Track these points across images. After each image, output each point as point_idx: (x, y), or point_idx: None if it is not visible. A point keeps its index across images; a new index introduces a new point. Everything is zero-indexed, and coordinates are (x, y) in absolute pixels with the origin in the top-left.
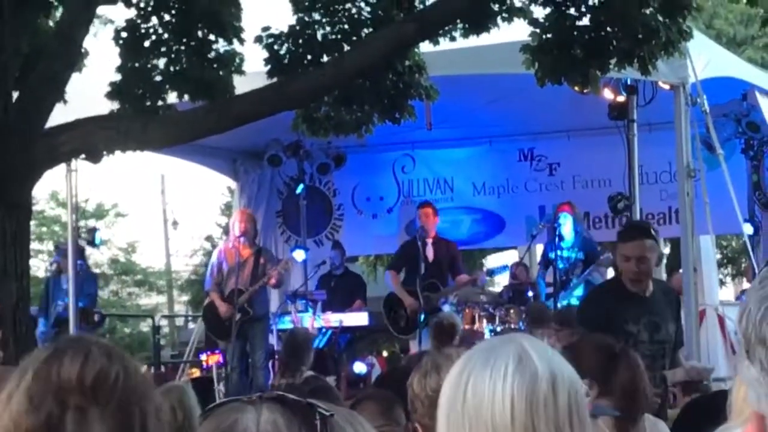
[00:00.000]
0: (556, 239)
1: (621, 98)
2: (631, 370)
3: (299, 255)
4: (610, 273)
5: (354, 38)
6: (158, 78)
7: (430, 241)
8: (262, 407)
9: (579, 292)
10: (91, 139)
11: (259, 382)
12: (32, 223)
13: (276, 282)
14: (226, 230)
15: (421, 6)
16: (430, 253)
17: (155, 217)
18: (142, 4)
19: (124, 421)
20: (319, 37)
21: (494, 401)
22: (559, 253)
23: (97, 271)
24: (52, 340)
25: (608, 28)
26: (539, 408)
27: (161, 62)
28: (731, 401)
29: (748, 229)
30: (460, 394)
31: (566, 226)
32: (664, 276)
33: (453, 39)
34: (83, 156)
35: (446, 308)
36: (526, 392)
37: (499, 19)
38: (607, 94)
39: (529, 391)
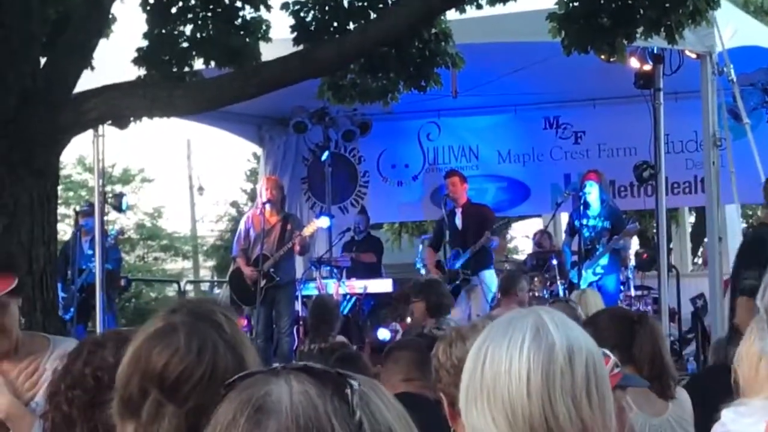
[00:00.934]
0: (582, 207)
1: (647, 67)
2: (651, 337)
3: (324, 221)
4: (634, 241)
5: (380, 6)
6: (185, 44)
7: (459, 210)
8: (290, 378)
9: (604, 261)
10: (117, 105)
11: (284, 349)
12: (59, 187)
13: (300, 248)
14: (252, 196)
15: None
16: (459, 221)
17: (181, 182)
18: None
19: (196, 424)
20: (345, 4)
21: (510, 373)
22: (584, 221)
23: (122, 237)
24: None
25: None
26: (555, 380)
27: (188, 29)
28: (739, 376)
29: None
30: (479, 367)
31: (592, 194)
32: (689, 245)
33: (479, 7)
34: (110, 122)
35: (486, 274)
36: (542, 364)
37: None
38: (634, 62)
39: (545, 363)
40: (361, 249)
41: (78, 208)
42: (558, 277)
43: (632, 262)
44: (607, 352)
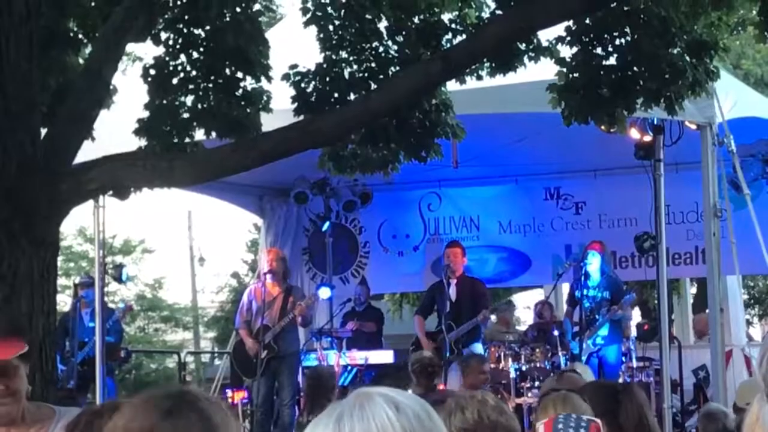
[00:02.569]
0: (582, 278)
1: (647, 138)
2: (635, 404)
3: (325, 292)
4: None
5: (381, 77)
6: (186, 115)
7: (454, 281)
8: None
9: (604, 332)
10: (118, 175)
11: (285, 421)
12: (59, 258)
13: (302, 319)
14: (252, 267)
15: (448, 45)
16: (453, 293)
17: (182, 253)
18: (170, 42)
19: None
20: (346, 75)
21: None
22: (585, 292)
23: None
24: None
25: (635, 68)
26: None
27: (189, 99)
28: None
29: None
30: None
31: (593, 264)
32: (690, 317)
33: (479, 78)
34: (110, 193)
35: (476, 347)
36: (417, 430)
37: (525, 58)
38: (634, 133)
39: (419, 428)
40: (362, 320)
41: (78, 280)
42: (559, 348)
43: (633, 333)
44: (595, 419)
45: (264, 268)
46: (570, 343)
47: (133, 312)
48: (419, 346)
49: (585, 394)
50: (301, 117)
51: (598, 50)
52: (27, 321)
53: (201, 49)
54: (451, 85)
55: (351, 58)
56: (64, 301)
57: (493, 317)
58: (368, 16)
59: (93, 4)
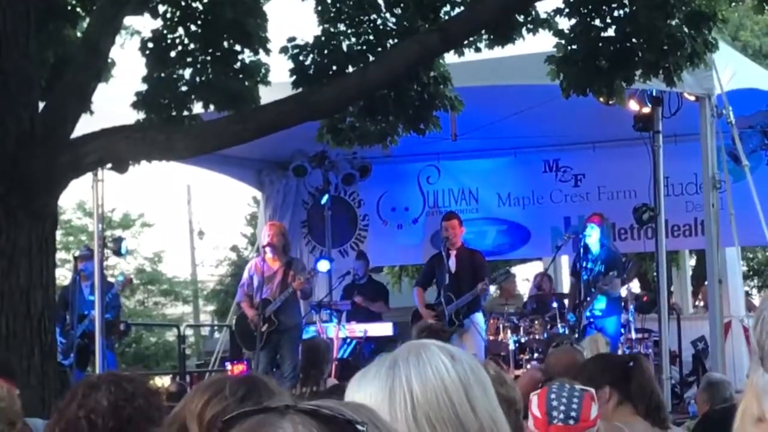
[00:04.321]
0: (582, 251)
1: (646, 109)
2: (646, 376)
3: (324, 265)
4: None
5: (379, 49)
6: (184, 88)
7: (453, 252)
8: (297, 424)
9: (602, 304)
10: (115, 148)
11: None
12: (59, 232)
13: (302, 293)
14: (252, 241)
15: (446, 17)
16: (453, 264)
17: (181, 227)
18: (168, 15)
19: None
20: (344, 48)
21: (449, 394)
22: (584, 264)
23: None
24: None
25: (633, 40)
26: (488, 391)
27: (187, 72)
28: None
29: None
30: (406, 398)
31: (592, 237)
32: (689, 288)
33: (478, 50)
34: (109, 166)
35: (477, 317)
36: (472, 380)
37: (524, 30)
38: (633, 105)
39: (474, 379)
40: (364, 293)
41: (77, 253)
42: (558, 320)
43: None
44: (588, 389)
45: (263, 242)
46: (569, 315)
47: (132, 285)
48: (419, 317)
49: (593, 367)
50: (300, 90)
51: (597, 22)
52: (24, 294)
53: (199, 22)
54: (450, 58)
55: (349, 31)
56: (63, 275)
57: (492, 288)
58: None
59: None
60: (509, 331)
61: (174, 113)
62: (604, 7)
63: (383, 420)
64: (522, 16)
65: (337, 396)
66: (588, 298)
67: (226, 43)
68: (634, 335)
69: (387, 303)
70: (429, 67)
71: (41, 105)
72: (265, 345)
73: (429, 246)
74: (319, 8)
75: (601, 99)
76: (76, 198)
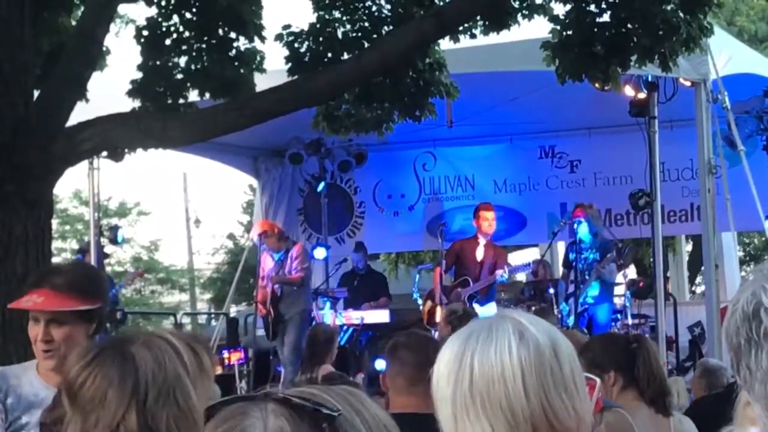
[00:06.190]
0: (575, 243)
1: (642, 95)
2: (651, 355)
3: (320, 253)
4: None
5: (374, 36)
6: (179, 76)
7: (483, 242)
8: (268, 414)
9: (595, 291)
10: (110, 136)
11: (286, 379)
12: (55, 221)
13: (299, 280)
14: (248, 228)
15: (441, 3)
16: (480, 253)
17: (178, 215)
18: (163, 2)
19: None
20: (339, 35)
21: (505, 377)
22: (579, 255)
23: (120, 269)
24: None
25: (629, 25)
26: (548, 377)
27: (182, 60)
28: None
29: None
30: (466, 374)
31: (582, 230)
32: (686, 273)
33: (473, 36)
34: (104, 154)
35: (490, 307)
36: (534, 364)
37: (519, 16)
38: (628, 91)
39: (537, 363)
40: (364, 284)
41: (78, 246)
42: (555, 306)
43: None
44: (591, 376)
45: (254, 238)
46: (561, 304)
47: (143, 278)
48: (432, 297)
49: (595, 347)
50: (295, 77)
51: (592, 7)
52: (20, 283)
53: (194, 10)
54: (445, 44)
55: (344, 18)
56: None
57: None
58: None
59: None
60: None
61: (169, 101)
62: None
63: (371, 407)
64: (517, 2)
65: (330, 383)
66: (582, 285)
67: (221, 31)
68: (630, 321)
69: (388, 294)
70: (424, 53)
71: (36, 93)
72: (275, 335)
73: (425, 233)
74: None
75: (597, 85)
76: (72, 187)
